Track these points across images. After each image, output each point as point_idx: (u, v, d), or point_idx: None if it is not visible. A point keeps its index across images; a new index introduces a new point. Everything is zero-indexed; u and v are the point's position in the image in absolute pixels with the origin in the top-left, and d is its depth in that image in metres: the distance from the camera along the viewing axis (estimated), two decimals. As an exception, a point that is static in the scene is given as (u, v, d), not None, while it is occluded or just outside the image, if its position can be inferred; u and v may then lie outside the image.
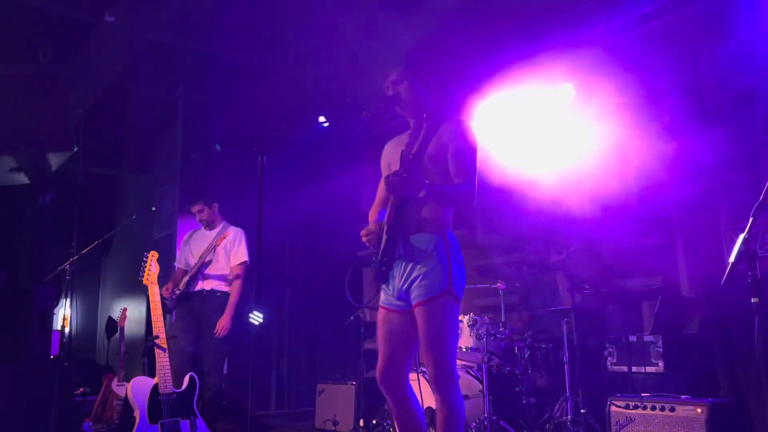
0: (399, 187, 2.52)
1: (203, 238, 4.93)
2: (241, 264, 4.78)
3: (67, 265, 4.75)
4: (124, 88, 6.99)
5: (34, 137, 4.96)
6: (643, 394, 3.82)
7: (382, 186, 3.00)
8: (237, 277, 4.74)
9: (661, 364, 4.13)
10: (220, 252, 4.80)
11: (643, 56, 5.13)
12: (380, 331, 2.80)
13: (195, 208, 4.94)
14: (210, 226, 4.96)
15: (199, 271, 4.77)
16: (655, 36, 4.97)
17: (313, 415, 5.93)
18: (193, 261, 4.83)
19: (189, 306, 4.65)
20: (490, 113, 5.67)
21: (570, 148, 5.33)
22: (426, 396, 4.20)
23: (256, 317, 6.09)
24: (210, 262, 4.79)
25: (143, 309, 8.03)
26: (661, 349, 4.14)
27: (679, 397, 3.65)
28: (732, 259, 2.12)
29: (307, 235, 8.33)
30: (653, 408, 3.67)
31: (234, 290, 4.71)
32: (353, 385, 5.54)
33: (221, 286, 4.76)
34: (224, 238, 4.76)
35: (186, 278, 4.75)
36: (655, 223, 5.10)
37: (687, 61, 4.92)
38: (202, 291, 4.74)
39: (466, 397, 4.46)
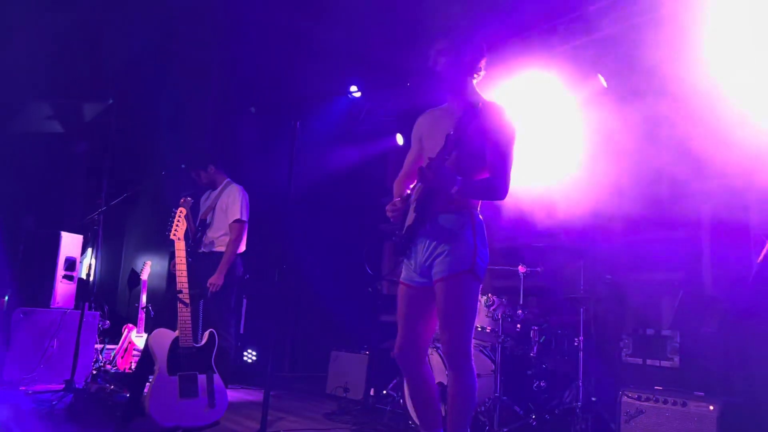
0: (431, 181, 2.52)
1: (209, 199, 4.94)
2: (235, 222, 4.69)
3: (95, 215, 4.80)
4: (161, 44, 7.04)
5: (71, 86, 5.02)
6: (656, 387, 3.82)
7: (410, 159, 2.97)
8: (231, 235, 4.68)
9: (676, 359, 4.11)
10: (218, 213, 4.78)
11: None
12: (400, 307, 2.80)
13: (192, 174, 4.95)
14: (212, 186, 4.95)
15: (203, 233, 4.78)
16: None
17: (325, 380, 6.02)
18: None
19: (191, 268, 4.64)
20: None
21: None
22: (437, 371, 4.24)
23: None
24: (210, 223, 4.78)
25: (165, 264, 8.17)
26: (678, 345, 4.12)
27: (692, 393, 3.65)
28: (760, 260, 2.10)
29: (331, 205, 8.35)
30: (665, 402, 3.67)
31: (227, 248, 4.64)
32: (366, 354, 5.60)
33: (219, 247, 4.72)
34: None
35: (189, 241, 4.77)
36: (682, 217, 5.03)
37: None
38: (203, 253, 4.74)
39: (477, 375, 4.49)
